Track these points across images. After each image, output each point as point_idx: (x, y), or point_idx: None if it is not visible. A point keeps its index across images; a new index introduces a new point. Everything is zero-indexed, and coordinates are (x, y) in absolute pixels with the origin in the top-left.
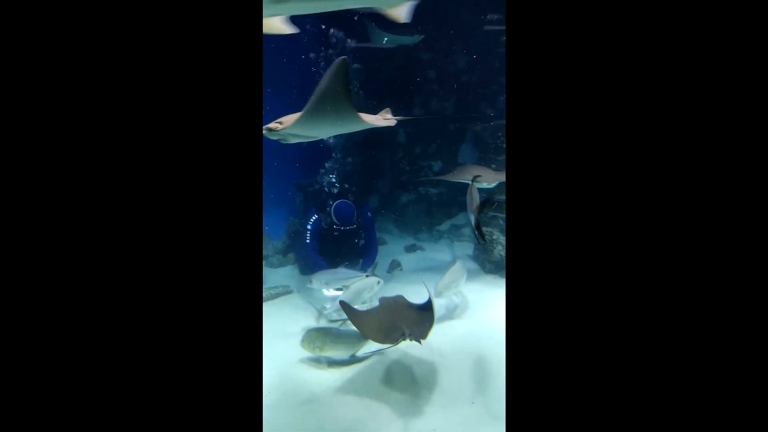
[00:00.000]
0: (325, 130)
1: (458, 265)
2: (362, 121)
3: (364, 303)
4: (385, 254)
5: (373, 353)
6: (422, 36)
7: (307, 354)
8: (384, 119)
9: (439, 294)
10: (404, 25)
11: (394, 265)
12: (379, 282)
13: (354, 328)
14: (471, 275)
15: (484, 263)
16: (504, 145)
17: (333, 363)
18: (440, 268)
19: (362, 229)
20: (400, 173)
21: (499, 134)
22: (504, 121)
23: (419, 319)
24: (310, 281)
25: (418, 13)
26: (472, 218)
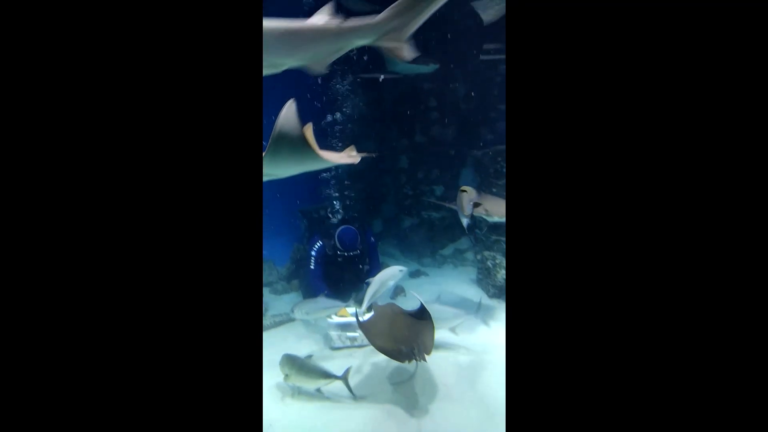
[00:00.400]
0: (289, 170)
1: (391, 270)
2: (323, 159)
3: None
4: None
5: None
6: (438, 65)
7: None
8: (348, 156)
9: (368, 304)
10: (421, 55)
11: (398, 291)
12: (401, 270)
13: (320, 364)
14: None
15: (487, 287)
16: (503, 170)
17: (332, 397)
18: (444, 294)
19: (366, 255)
20: (404, 198)
21: (499, 159)
22: (503, 147)
23: (419, 328)
24: (292, 310)
25: (420, 43)
26: (464, 220)
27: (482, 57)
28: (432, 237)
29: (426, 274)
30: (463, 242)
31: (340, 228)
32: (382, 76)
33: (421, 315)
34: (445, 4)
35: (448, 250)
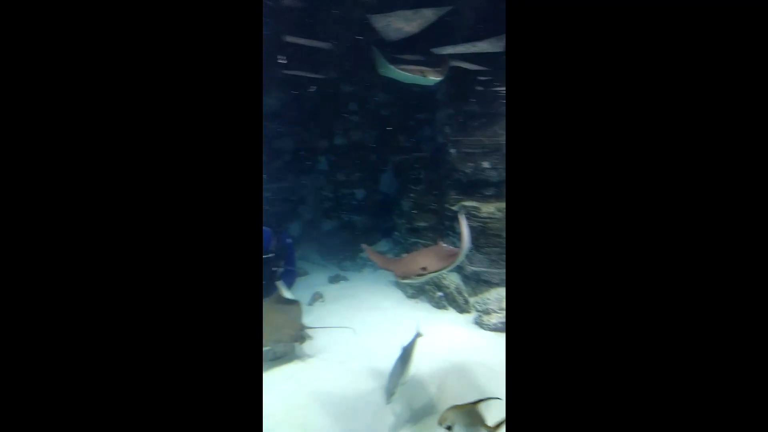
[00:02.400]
0: None
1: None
2: None
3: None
4: (306, 286)
5: None
6: (441, 78)
7: None
8: None
9: None
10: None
11: (316, 297)
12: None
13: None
14: (394, 302)
15: (405, 289)
16: (421, 177)
17: None
18: (364, 298)
19: (281, 257)
20: (323, 200)
21: (416, 165)
22: (420, 154)
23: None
24: None
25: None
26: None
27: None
28: (352, 240)
29: (346, 279)
30: (383, 245)
31: None
32: (285, 59)
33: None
34: (368, 15)
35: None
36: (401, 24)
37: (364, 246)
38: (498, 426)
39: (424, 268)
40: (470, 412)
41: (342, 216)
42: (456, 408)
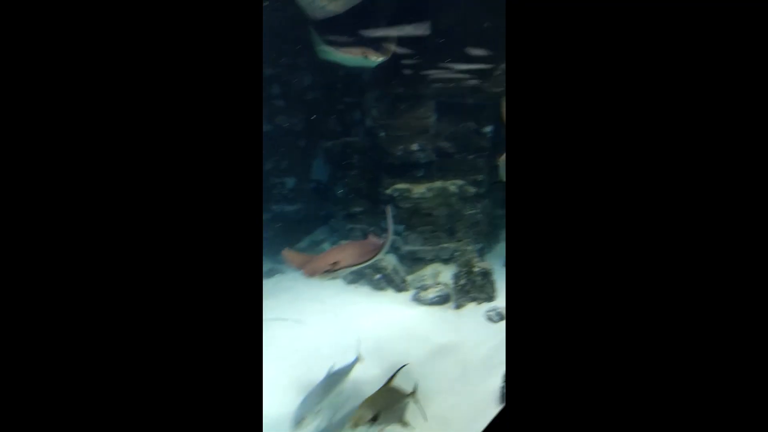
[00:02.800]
0: None
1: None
2: None
3: None
4: None
5: None
6: (385, 57)
7: None
8: None
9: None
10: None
11: None
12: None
13: None
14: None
15: (345, 275)
16: (354, 161)
17: None
18: (302, 290)
19: None
20: None
21: (348, 150)
22: (351, 139)
23: None
24: None
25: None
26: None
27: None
28: (286, 231)
29: (281, 272)
30: (319, 233)
31: None
32: None
33: None
34: None
35: (303, 243)
36: (326, 2)
37: (284, 253)
38: (415, 390)
39: (335, 263)
40: (386, 392)
41: (273, 207)
42: (370, 399)
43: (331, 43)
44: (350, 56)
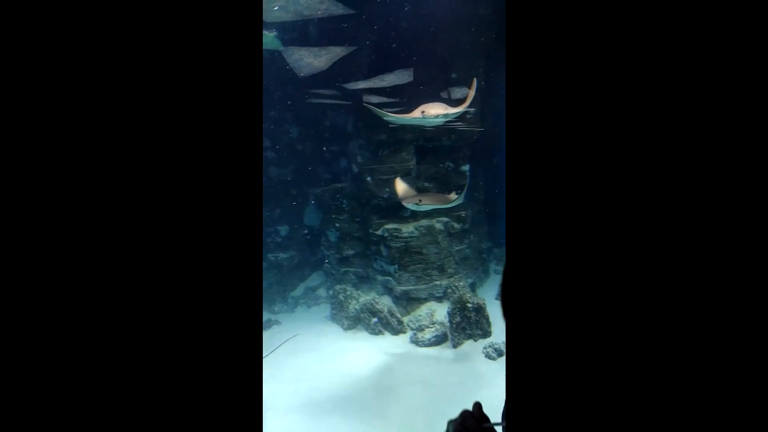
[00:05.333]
0: None
1: None
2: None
3: None
4: None
5: None
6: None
7: None
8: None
9: None
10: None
11: (271, 323)
12: None
13: None
14: (332, 337)
15: (342, 321)
16: (344, 206)
17: None
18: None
19: None
20: None
21: (337, 196)
22: (339, 185)
23: None
24: None
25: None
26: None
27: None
28: (281, 280)
29: (278, 323)
30: (314, 279)
31: None
32: None
33: None
34: (281, 50)
35: (299, 291)
36: (311, 59)
37: (396, 180)
38: None
39: (420, 200)
40: None
41: (268, 256)
42: None
43: (319, 96)
44: (410, 117)
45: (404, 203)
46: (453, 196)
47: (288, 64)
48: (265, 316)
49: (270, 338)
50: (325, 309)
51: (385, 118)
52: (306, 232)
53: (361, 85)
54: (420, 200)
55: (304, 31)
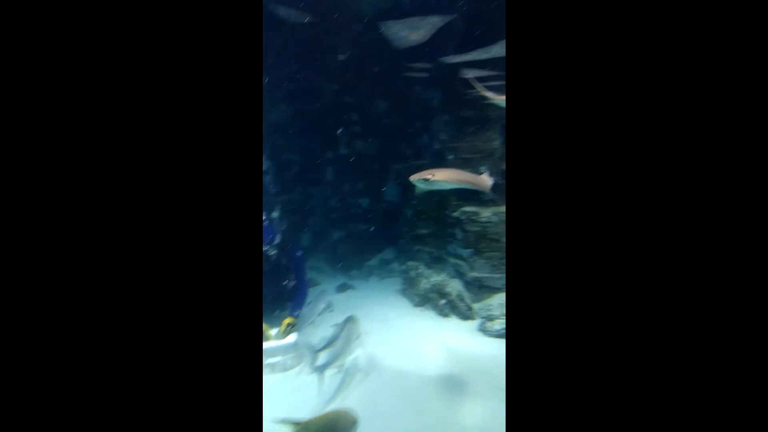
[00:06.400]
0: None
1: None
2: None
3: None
4: (315, 296)
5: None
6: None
7: None
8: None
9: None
10: None
11: (326, 307)
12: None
13: None
14: (400, 311)
15: (412, 297)
16: None
17: None
18: (370, 307)
19: (291, 270)
20: (331, 210)
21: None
22: (420, 161)
23: None
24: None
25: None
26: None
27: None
28: (359, 249)
29: (353, 287)
30: (388, 252)
31: None
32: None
33: None
34: (377, 23)
35: (374, 261)
36: (407, 32)
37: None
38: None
39: (432, 174)
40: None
41: (349, 226)
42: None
43: (414, 70)
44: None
45: (411, 179)
46: (486, 177)
47: (382, 38)
48: (341, 280)
49: (346, 300)
50: (397, 283)
51: (493, 101)
52: (386, 206)
53: (459, 58)
54: (432, 175)
55: (397, 2)
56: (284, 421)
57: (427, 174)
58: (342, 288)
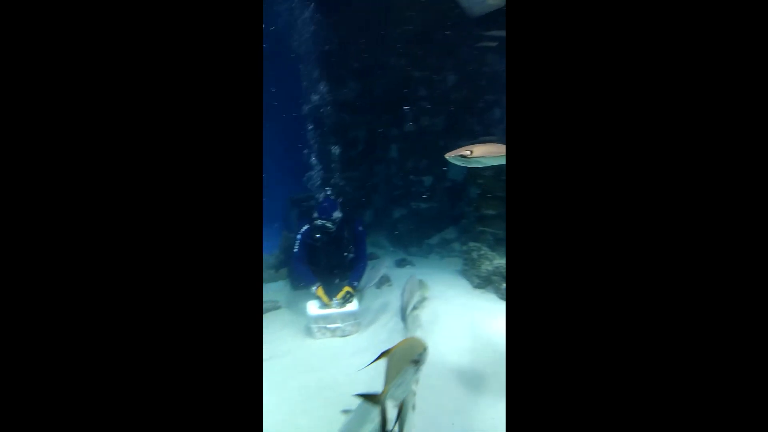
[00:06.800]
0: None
1: (414, 280)
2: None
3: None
4: (378, 261)
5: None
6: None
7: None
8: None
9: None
10: None
11: (383, 281)
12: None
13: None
14: (459, 291)
15: (472, 278)
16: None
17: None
18: (429, 285)
19: (352, 243)
20: (394, 188)
21: None
22: (489, 138)
23: None
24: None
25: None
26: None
27: (471, 46)
28: (419, 227)
29: (411, 264)
30: (450, 232)
31: (322, 197)
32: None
33: None
34: None
35: (434, 240)
36: None
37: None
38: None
39: (470, 152)
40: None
41: (411, 204)
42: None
43: (487, 39)
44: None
45: (447, 157)
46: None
47: (456, 7)
48: (400, 255)
49: (404, 275)
50: (457, 263)
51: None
52: (449, 185)
53: None
54: (470, 152)
55: None
56: (365, 395)
57: (465, 151)
58: (401, 263)
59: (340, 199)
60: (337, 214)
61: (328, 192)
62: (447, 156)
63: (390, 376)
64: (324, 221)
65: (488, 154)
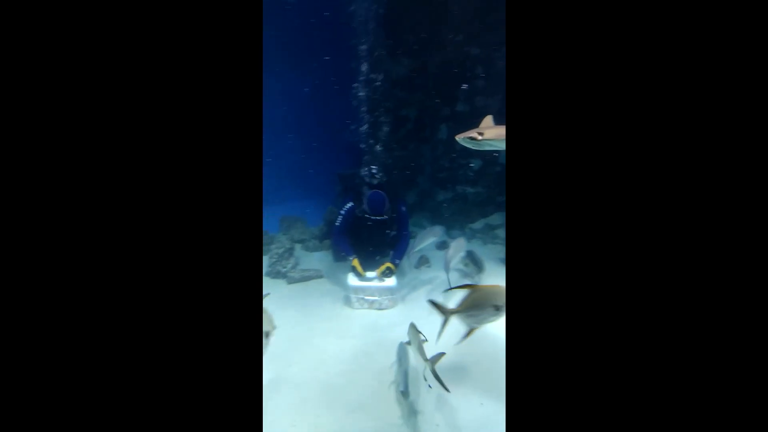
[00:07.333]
0: None
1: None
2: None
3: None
4: (427, 229)
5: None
6: None
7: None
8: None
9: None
10: None
11: (423, 261)
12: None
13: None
14: (497, 278)
15: None
16: None
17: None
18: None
19: (395, 222)
20: (439, 170)
21: None
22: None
23: None
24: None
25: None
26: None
27: None
28: (464, 211)
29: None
30: (496, 218)
31: (371, 191)
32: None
33: None
34: None
35: (478, 224)
36: None
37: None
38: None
39: (481, 134)
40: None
41: (456, 188)
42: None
43: None
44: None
45: (457, 139)
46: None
47: None
48: (443, 237)
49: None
50: (500, 250)
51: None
52: (499, 169)
53: None
54: (481, 134)
55: None
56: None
57: (475, 133)
58: (441, 246)
59: (384, 179)
60: (386, 209)
61: (374, 170)
62: (457, 137)
63: (466, 303)
64: (375, 217)
65: (499, 137)
